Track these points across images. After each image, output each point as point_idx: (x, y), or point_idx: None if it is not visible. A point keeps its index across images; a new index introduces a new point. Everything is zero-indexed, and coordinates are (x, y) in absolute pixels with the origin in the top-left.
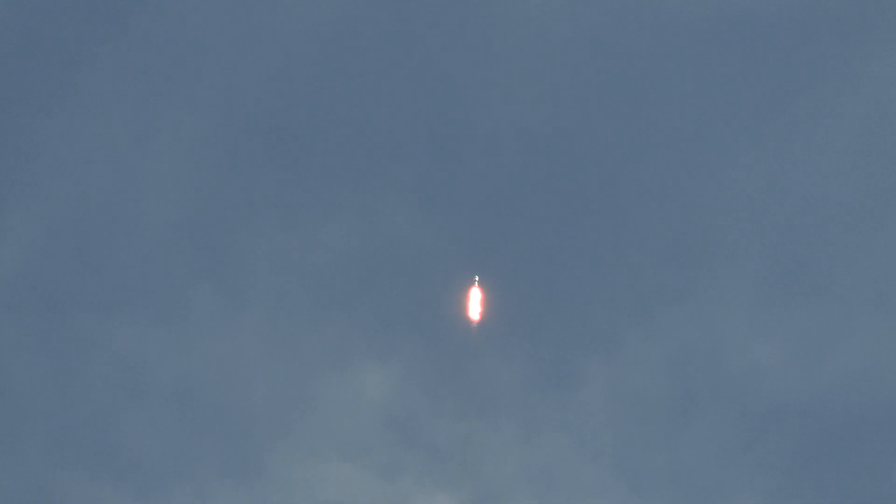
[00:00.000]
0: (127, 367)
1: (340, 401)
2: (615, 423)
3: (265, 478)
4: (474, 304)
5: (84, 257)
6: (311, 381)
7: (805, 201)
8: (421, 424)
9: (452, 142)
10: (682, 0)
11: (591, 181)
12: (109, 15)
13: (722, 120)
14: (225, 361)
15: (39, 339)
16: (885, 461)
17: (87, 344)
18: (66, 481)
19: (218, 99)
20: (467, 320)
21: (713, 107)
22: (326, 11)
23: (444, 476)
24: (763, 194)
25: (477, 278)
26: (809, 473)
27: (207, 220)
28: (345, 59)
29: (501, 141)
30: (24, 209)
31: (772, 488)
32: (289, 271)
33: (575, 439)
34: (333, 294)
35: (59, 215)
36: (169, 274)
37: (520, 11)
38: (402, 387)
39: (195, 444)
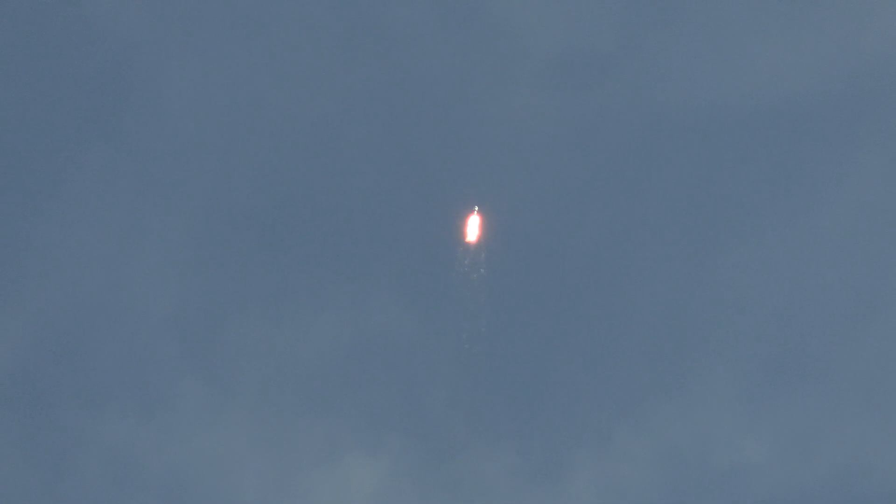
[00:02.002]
0: (116, 460)
1: (330, 494)
2: None
3: None
4: (472, 230)
5: (73, 353)
6: (300, 474)
7: (792, 296)
8: None
9: (440, 235)
10: (671, 96)
11: (579, 275)
12: (97, 115)
13: (708, 214)
14: (214, 455)
15: (29, 434)
16: None
17: (76, 438)
18: None
19: (205, 195)
20: (457, 411)
21: (700, 201)
22: (311, 108)
23: None
24: (750, 288)
25: (477, 208)
26: None
27: (196, 314)
28: (330, 155)
29: (488, 233)
30: (14, 306)
31: None
32: (277, 365)
33: None
34: (322, 387)
35: (48, 312)
36: (158, 368)
37: (508, 105)
38: (391, 480)
39: None
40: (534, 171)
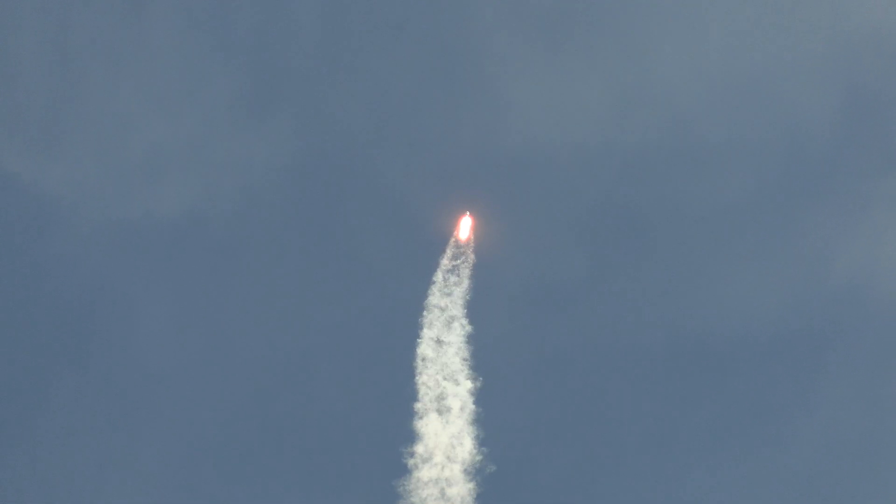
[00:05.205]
0: None
1: None
2: None
3: None
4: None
5: None
6: None
7: None
8: None
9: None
10: (641, 325)
11: (553, 494)
12: (67, 346)
13: (678, 442)
14: None
15: None
16: None
17: None
18: None
19: (175, 426)
20: None
21: (669, 429)
22: (281, 340)
23: None
24: None
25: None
26: None
27: None
28: (300, 385)
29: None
30: None
31: None
32: None
33: None
34: None
35: None
36: None
37: (490, 328)
38: None
39: None
40: (506, 402)
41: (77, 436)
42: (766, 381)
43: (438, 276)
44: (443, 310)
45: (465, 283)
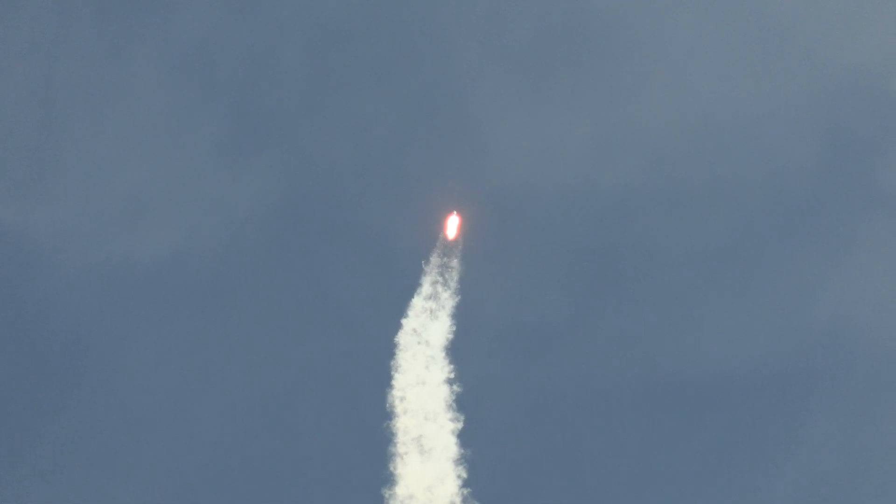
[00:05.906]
0: None
1: None
2: None
3: None
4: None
5: None
6: None
7: None
8: None
9: None
10: (628, 365)
11: None
12: (50, 390)
13: (662, 481)
14: None
15: None
16: None
17: None
18: None
19: (160, 468)
20: None
21: (654, 468)
22: (265, 381)
23: None
24: None
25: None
26: None
27: None
28: (283, 425)
29: None
30: None
31: None
32: None
33: None
34: None
35: None
36: None
37: (472, 368)
38: None
39: None
40: (488, 445)
41: (60, 479)
42: (748, 422)
43: (412, 319)
44: (422, 350)
45: (447, 323)
